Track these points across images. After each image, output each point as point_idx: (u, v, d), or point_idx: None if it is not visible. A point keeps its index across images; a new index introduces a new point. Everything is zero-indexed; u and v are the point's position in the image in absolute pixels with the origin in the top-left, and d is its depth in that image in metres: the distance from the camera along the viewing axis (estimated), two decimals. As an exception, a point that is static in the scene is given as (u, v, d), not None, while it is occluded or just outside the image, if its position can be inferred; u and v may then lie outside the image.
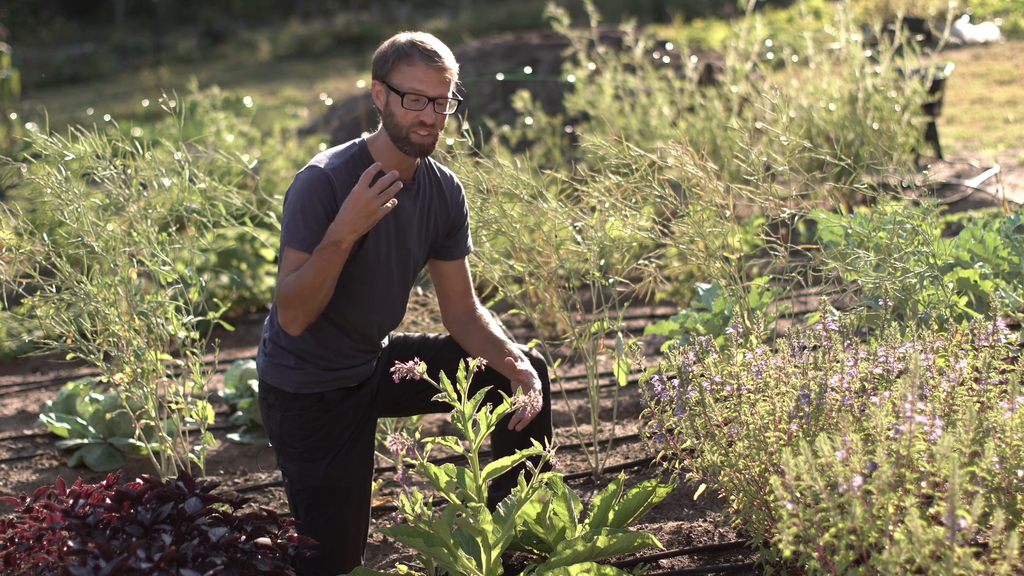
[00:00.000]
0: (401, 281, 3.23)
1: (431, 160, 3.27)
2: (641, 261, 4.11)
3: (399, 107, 3.04)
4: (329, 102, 11.79)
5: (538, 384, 3.08)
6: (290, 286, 3.02)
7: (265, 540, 2.73)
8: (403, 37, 3.08)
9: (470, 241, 3.37)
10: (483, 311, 3.35)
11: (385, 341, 3.36)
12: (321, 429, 3.22)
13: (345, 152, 3.13)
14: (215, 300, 4.61)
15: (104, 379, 3.83)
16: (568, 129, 8.68)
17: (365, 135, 3.20)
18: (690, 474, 3.00)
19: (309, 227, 3.03)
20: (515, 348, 3.22)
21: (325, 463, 3.21)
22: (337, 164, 3.08)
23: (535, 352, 3.32)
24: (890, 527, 2.27)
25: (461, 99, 3.11)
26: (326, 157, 3.11)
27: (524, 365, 3.10)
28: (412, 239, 3.20)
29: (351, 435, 3.25)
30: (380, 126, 3.14)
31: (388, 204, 2.92)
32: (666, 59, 9.60)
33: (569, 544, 2.95)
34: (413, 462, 2.76)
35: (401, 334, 3.42)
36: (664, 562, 3.28)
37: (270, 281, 6.61)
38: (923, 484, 2.37)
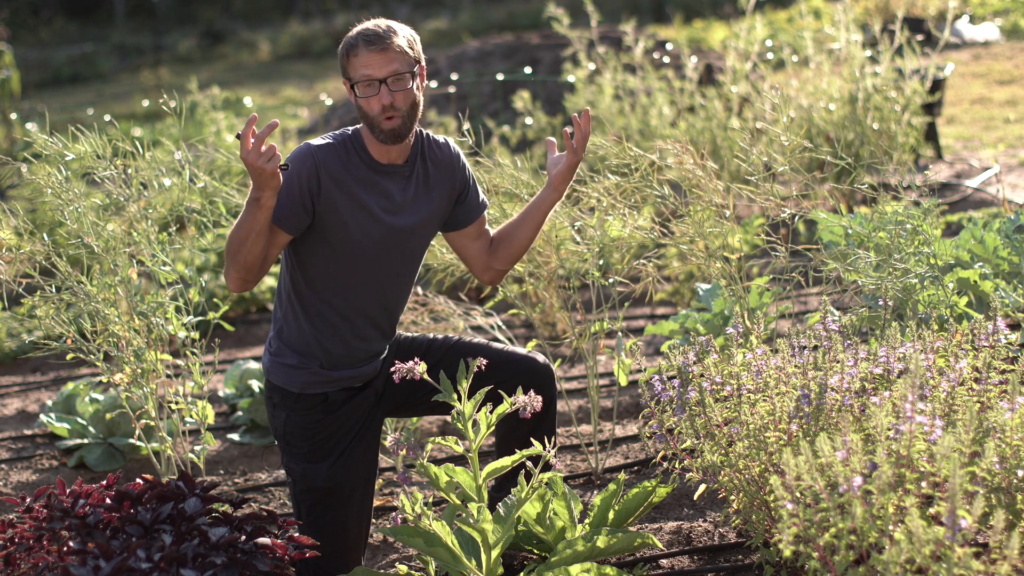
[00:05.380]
0: (402, 260, 3.22)
1: (427, 133, 3.27)
2: (641, 261, 4.11)
3: (359, 98, 3.06)
4: (329, 102, 11.79)
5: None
6: (227, 239, 3.05)
7: (265, 540, 2.73)
8: (352, 31, 3.11)
9: (483, 197, 3.39)
10: (489, 230, 3.43)
11: (392, 334, 3.35)
12: (325, 429, 3.22)
13: (339, 135, 3.18)
14: (215, 300, 4.61)
15: (104, 379, 3.83)
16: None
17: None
18: (690, 474, 3.00)
19: (279, 198, 3.04)
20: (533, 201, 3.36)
21: (328, 463, 3.21)
22: (324, 143, 3.13)
23: (540, 357, 3.32)
24: (890, 527, 2.27)
25: (420, 76, 3.10)
26: (320, 137, 3.18)
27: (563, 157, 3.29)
28: (407, 217, 3.19)
29: (355, 436, 3.25)
30: None
31: (270, 162, 2.85)
32: (666, 59, 9.60)
33: (569, 544, 2.95)
34: (413, 462, 2.76)
35: (409, 335, 3.42)
36: (664, 562, 3.28)
37: (270, 281, 6.61)
38: (923, 484, 2.37)
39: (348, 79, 3.10)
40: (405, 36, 3.09)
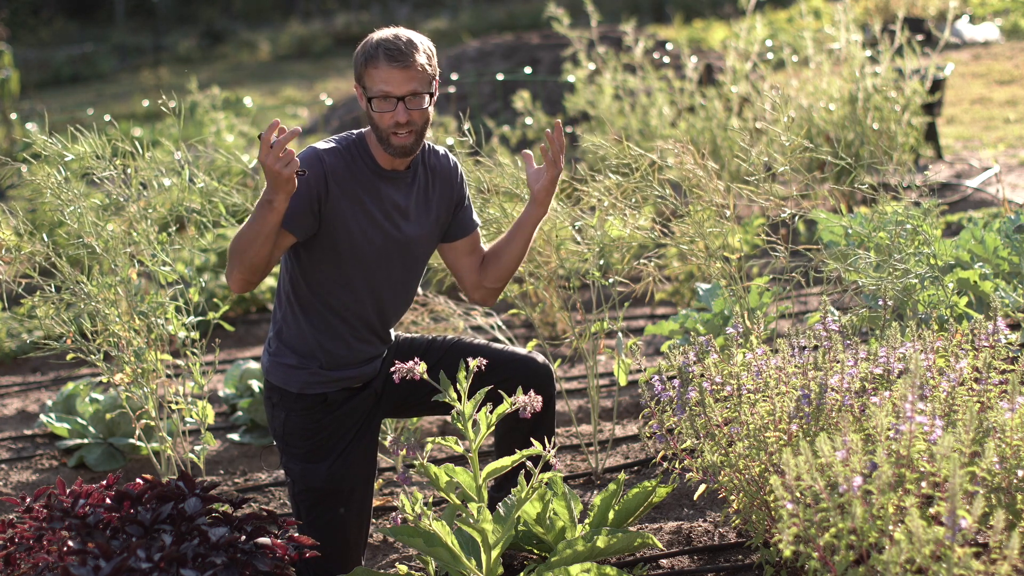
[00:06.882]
0: (402, 268, 3.23)
1: (426, 142, 3.27)
2: (641, 261, 4.11)
3: (372, 111, 3.06)
4: (329, 102, 11.78)
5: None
6: (234, 238, 3.03)
7: (265, 540, 2.73)
8: (374, 37, 3.08)
9: (475, 216, 3.38)
10: (483, 247, 3.43)
11: (392, 335, 3.35)
12: (324, 430, 3.22)
13: (344, 139, 3.18)
14: (215, 300, 4.61)
15: (104, 379, 3.83)
16: (568, 129, 8.68)
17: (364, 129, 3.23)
18: (690, 474, 3.00)
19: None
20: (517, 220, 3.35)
21: (327, 464, 3.21)
22: (331, 147, 3.14)
23: (540, 357, 3.31)
24: (890, 527, 2.27)
25: (435, 92, 3.11)
26: (324, 141, 3.18)
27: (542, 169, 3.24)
28: (410, 226, 3.20)
29: (354, 436, 3.25)
30: None
31: (287, 167, 2.85)
32: (666, 59, 9.59)
33: (569, 544, 2.95)
34: (413, 462, 2.76)
35: (408, 335, 3.42)
36: (664, 562, 3.28)
37: (270, 281, 6.62)
38: (923, 484, 2.37)
39: (363, 87, 3.08)
40: (425, 51, 3.07)
